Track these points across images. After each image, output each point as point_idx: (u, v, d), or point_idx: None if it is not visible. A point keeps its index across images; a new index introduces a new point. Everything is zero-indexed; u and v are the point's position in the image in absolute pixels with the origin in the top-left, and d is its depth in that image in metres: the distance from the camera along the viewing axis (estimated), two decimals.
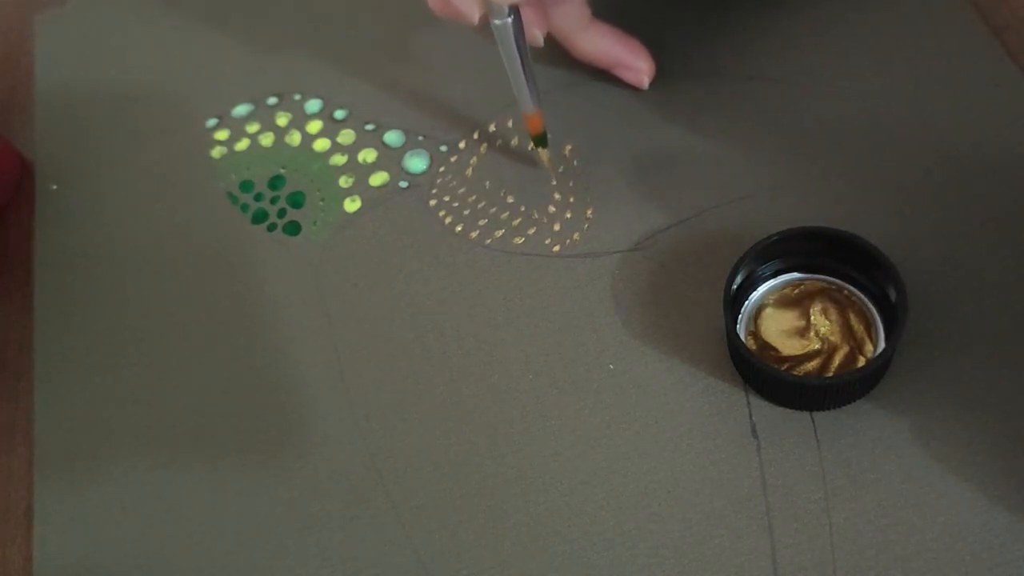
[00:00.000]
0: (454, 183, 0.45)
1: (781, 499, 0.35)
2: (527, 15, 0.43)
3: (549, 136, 0.45)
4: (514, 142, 0.46)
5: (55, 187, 0.50)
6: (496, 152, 0.46)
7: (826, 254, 0.38)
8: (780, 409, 0.36)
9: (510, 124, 0.47)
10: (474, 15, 0.40)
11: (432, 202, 0.45)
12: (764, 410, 0.37)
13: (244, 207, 0.47)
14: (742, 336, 0.37)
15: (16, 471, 0.41)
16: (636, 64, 0.45)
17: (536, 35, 0.44)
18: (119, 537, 0.38)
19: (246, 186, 0.48)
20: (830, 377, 0.36)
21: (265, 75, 0.51)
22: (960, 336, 0.37)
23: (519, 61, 0.41)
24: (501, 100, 0.47)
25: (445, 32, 0.51)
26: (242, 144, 0.49)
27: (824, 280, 0.38)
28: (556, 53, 0.47)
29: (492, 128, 0.47)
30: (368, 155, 0.47)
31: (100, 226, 0.48)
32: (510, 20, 0.39)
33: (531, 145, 0.45)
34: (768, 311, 0.38)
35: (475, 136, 0.47)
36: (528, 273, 0.42)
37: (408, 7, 0.53)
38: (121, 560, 0.38)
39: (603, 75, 0.47)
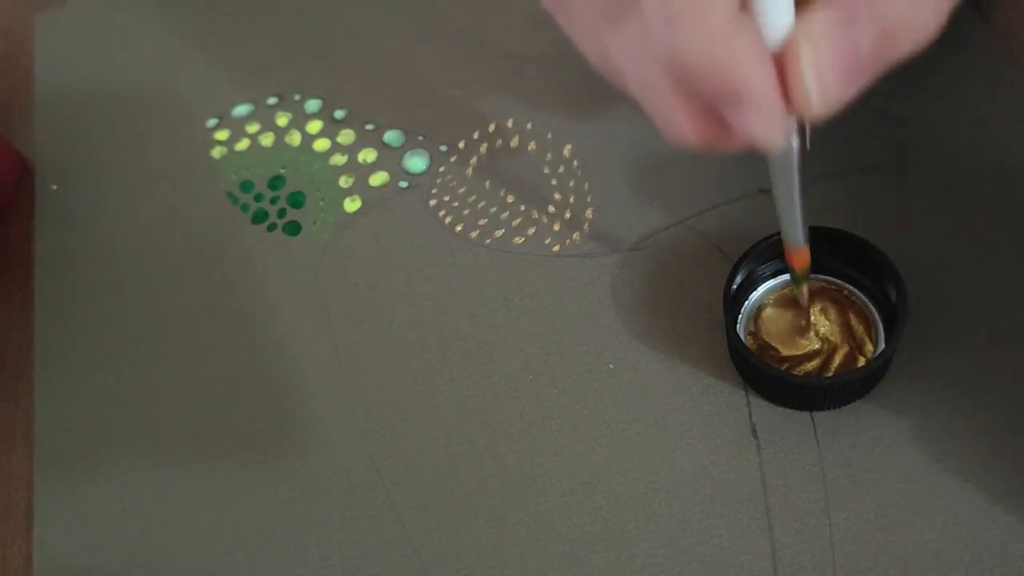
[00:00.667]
0: (454, 183, 0.45)
1: (781, 499, 0.35)
2: None
3: (550, 136, 0.45)
4: (514, 142, 0.46)
5: (55, 187, 0.50)
6: (496, 152, 0.46)
7: (826, 254, 0.38)
8: (780, 409, 0.36)
9: (510, 124, 0.47)
10: (776, 137, 0.27)
11: (432, 202, 0.45)
12: (764, 410, 0.37)
13: (244, 207, 0.47)
14: (742, 336, 0.37)
15: (16, 471, 0.41)
16: None
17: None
18: (119, 537, 0.38)
19: (246, 186, 0.48)
20: (830, 377, 0.36)
21: (265, 75, 0.51)
22: (960, 336, 0.37)
23: (798, 187, 0.31)
24: (501, 101, 0.47)
25: (446, 33, 0.51)
26: (242, 144, 0.49)
27: (824, 280, 0.38)
28: (554, 52, 0.47)
29: (492, 128, 0.47)
30: (368, 155, 0.47)
31: (100, 226, 0.48)
32: (796, 143, 0.30)
33: (792, 286, 0.38)
34: (768, 311, 0.38)
35: (475, 136, 0.47)
36: (528, 273, 0.42)
37: (408, 7, 0.53)
38: (121, 560, 0.38)
39: None
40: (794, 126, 0.28)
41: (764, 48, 0.26)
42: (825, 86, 0.26)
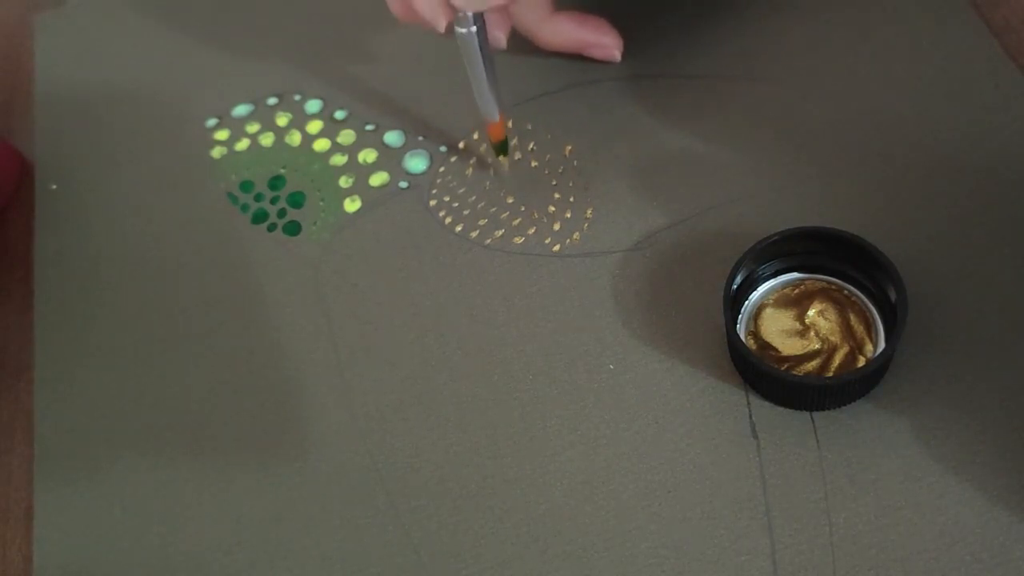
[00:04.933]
0: (454, 183, 0.45)
1: (781, 499, 0.35)
2: (490, 18, 0.42)
3: (549, 137, 0.45)
4: (514, 142, 0.46)
5: (55, 187, 0.50)
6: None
7: (826, 254, 0.38)
8: (780, 409, 0.36)
9: (510, 124, 0.47)
10: (440, 22, 0.39)
11: (432, 202, 0.45)
12: (764, 410, 0.37)
13: (244, 207, 0.47)
14: (742, 336, 0.37)
15: (16, 471, 0.41)
16: (603, 40, 0.46)
17: (499, 37, 0.44)
18: (119, 537, 0.38)
19: (246, 186, 0.48)
20: (830, 377, 0.36)
21: (265, 75, 0.51)
22: (960, 336, 0.37)
23: (483, 69, 0.40)
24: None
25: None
26: (242, 144, 0.49)
27: (824, 280, 0.38)
28: (555, 52, 0.47)
29: None
30: (368, 155, 0.47)
31: (100, 226, 0.48)
32: (475, 28, 0.39)
33: (490, 157, 0.45)
34: (768, 311, 0.38)
35: (475, 136, 0.47)
36: (528, 273, 0.42)
37: None
38: (121, 560, 0.38)
39: (603, 76, 0.47)
40: (470, 16, 0.38)
41: None
42: None
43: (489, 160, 0.45)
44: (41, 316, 0.45)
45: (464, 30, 0.39)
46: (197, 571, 0.37)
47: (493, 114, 0.42)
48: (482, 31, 0.39)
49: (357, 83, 0.50)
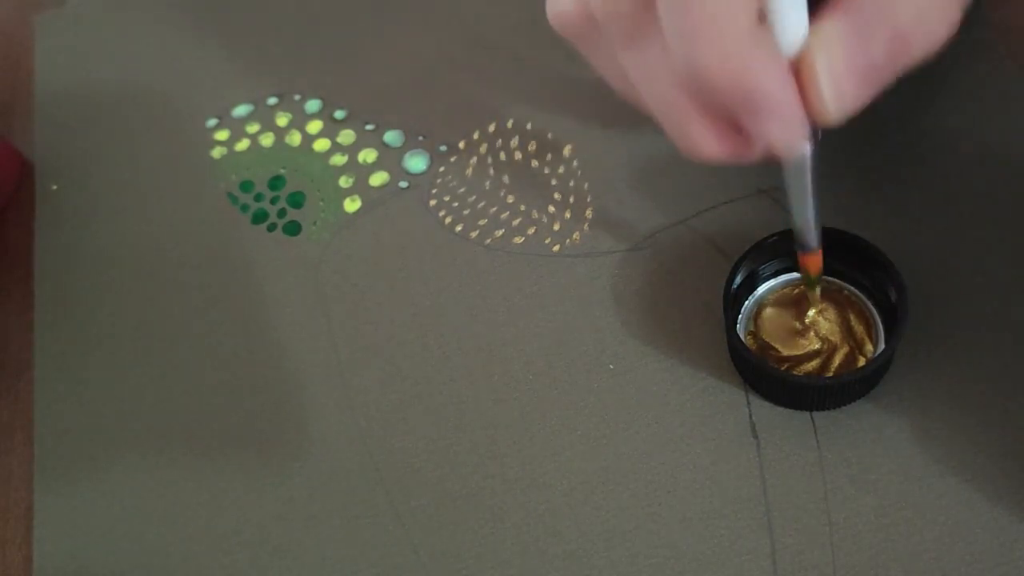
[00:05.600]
0: (454, 183, 0.45)
1: (781, 499, 0.35)
2: None
3: (550, 136, 0.45)
4: (514, 142, 0.46)
5: (55, 187, 0.50)
6: (496, 152, 0.46)
7: (826, 254, 0.38)
8: (780, 409, 0.36)
9: (510, 124, 0.47)
10: (798, 143, 0.28)
11: (432, 202, 0.45)
12: (764, 410, 0.37)
13: (244, 207, 0.47)
14: (742, 336, 0.37)
15: (16, 471, 0.41)
16: None
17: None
18: (119, 537, 0.38)
19: (246, 186, 0.48)
20: (830, 377, 0.36)
21: (265, 75, 0.51)
22: (960, 336, 0.37)
23: (812, 192, 0.32)
24: (501, 100, 0.47)
25: (445, 32, 0.51)
26: (242, 144, 0.49)
27: (824, 280, 0.38)
28: (554, 51, 0.47)
29: (492, 128, 0.47)
30: (368, 155, 0.47)
31: (100, 226, 0.48)
32: (809, 149, 0.30)
33: (791, 287, 0.38)
34: (768, 311, 0.38)
35: (475, 136, 0.47)
36: (528, 273, 0.42)
37: (408, 8, 0.53)
38: (121, 560, 0.38)
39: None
40: (808, 132, 0.29)
41: (781, 57, 0.26)
42: (840, 91, 0.27)
43: (794, 294, 0.38)
44: (41, 316, 0.45)
45: (802, 151, 0.30)
46: (197, 571, 0.37)
47: (815, 242, 0.34)
48: (814, 147, 0.30)
49: (357, 83, 0.50)
